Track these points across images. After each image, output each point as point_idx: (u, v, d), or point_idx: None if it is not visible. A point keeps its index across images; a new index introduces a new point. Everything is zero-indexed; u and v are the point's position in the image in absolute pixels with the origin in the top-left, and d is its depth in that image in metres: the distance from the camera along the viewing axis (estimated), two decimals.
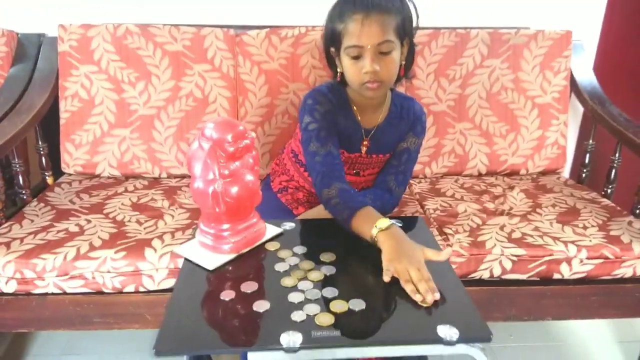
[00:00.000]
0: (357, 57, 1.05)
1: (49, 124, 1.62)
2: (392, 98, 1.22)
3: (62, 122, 1.62)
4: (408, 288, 0.81)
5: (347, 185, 1.08)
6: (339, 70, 1.13)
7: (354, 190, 1.09)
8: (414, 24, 1.11)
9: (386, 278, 0.85)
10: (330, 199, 1.05)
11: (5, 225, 1.33)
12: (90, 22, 1.61)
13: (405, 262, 0.85)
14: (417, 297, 0.79)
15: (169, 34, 1.62)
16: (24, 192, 1.49)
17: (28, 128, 1.48)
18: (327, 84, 1.21)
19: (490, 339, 0.72)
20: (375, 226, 0.93)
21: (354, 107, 1.19)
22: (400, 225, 1.04)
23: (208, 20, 1.74)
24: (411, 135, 1.22)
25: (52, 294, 1.22)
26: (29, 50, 1.66)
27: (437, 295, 0.80)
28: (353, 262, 0.93)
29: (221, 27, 1.66)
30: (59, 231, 1.29)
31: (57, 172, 1.66)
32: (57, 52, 1.60)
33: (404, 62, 1.12)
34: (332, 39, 1.09)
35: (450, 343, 0.71)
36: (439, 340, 0.71)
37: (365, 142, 1.20)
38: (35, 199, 1.48)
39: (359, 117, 1.19)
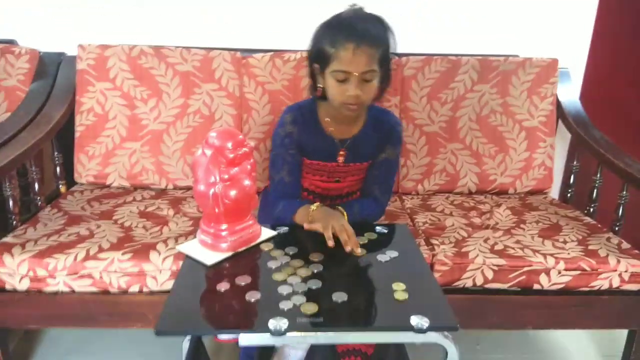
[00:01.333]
0: (342, 81, 1.14)
1: (64, 136, 1.73)
2: (368, 111, 1.31)
3: (77, 134, 1.73)
4: (342, 237, 1.05)
5: (293, 200, 1.26)
6: (319, 85, 1.22)
7: (296, 201, 1.26)
8: (392, 52, 1.21)
9: (330, 243, 1.05)
10: (278, 214, 1.25)
11: (21, 227, 1.42)
12: (108, 42, 1.74)
13: (338, 219, 1.10)
14: (358, 251, 1.03)
15: (180, 55, 1.74)
16: (38, 198, 1.59)
17: (45, 139, 1.59)
18: (296, 105, 1.32)
19: (457, 328, 0.80)
20: (309, 210, 1.16)
21: (327, 122, 1.28)
22: (386, 231, 1.13)
23: (217, 43, 1.86)
24: (389, 146, 1.31)
25: (62, 292, 1.30)
26: (50, 67, 1.79)
27: (359, 251, 1.03)
28: (339, 261, 1.01)
29: (229, 50, 1.78)
30: (70, 234, 1.39)
31: (70, 182, 1.76)
32: (75, 70, 1.73)
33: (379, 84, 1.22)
34: (318, 57, 1.18)
35: (421, 331, 0.79)
36: (410, 328, 0.79)
37: (341, 153, 1.29)
38: (49, 205, 1.58)
39: (334, 129, 1.28)
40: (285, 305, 0.84)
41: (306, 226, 1.14)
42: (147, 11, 1.85)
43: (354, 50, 1.10)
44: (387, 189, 1.35)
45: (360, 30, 1.11)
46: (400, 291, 0.88)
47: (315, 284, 0.90)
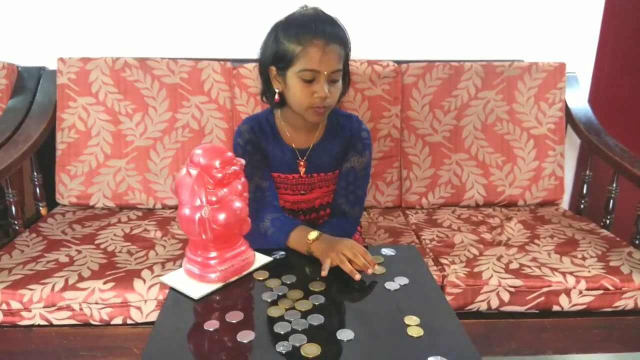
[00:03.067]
0: (310, 81, 1.05)
1: (45, 155, 1.62)
2: (328, 116, 1.21)
3: (58, 153, 1.62)
4: (346, 268, 0.92)
5: (278, 213, 1.14)
6: (277, 90, 1.12)
7: (284, 216, 1.14)
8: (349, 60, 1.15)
9: (324, 273, 0.93)
10: (267, 231, 1.11)
11: None
12: (90, 55, 1.64)
13: (337, 248, 0.95)
14: (357, 277, 0.91)
15: (167, 67, 1.64)
16: (16, 222, 1.47)
17: (23, 158, 1.48)
18: (252, 116, 1.23)
19: None
20: (307, 241, 1.01)
21: (285, 131, 1.19)
22: (393, 254, 1.02)
23: (206, 53, 1.76)
24: (353, 154, 1.20)
25: (38, 325, 1.19)
26: (28, 82, 1.68)
27: (377, 268, 0.93)
28: (343, 292, 0.90)
29: (218, 60, 1.68)
30: (48, 262, 1.28)
31: (52, 203, 1.65)
32: (55, 85, 1.62)
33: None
34: (278, 59, 1.08)
35: None
36: None
37: (301, 163, 1.19)
38: (27, 230, 1.47)
39: (292, 139, 1.19)
40: (282, 347, 0.73)
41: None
42: (130, 21, 1.76)
43: (323, 47, 1.03)
44: (356, 200, 1.21)
45: (329, 28, 1.05)
46: (414, 326, 0.78)
47: (317, 320, 0.79)
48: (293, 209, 1.26)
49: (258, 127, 1.19)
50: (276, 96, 1.13)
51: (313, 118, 1.10)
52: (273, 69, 1.11)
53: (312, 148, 1.19)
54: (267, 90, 1.16)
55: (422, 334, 0.76)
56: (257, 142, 1.18)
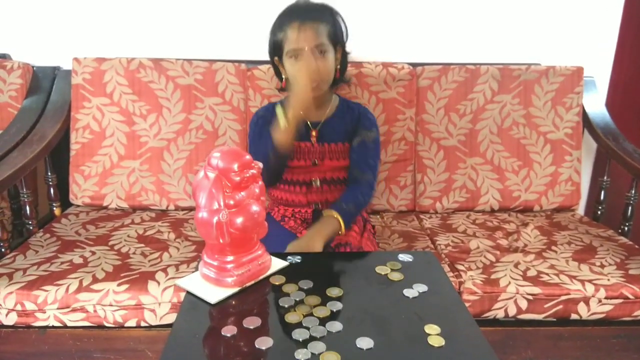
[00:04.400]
0: (297, 57, 1.20)
1: (59, 155, 1.63)
2: (339, 101, 1.36)
3: (72, 153, 1.62)
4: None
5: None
6: (284, 76, 1.28)
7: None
8: (345, 35, 1.29)
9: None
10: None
11: (9, 256, 1.31)
12: (105, 55, 1.64)
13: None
14: None
15: (181, 68, 1.63)
16: (30, 222, 1.48)
17: (38, 158, 1.48)
18: (262, 107, 1.40)
19: None
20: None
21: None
22: (411, 260, 1.01)
23: (220, 54, 1.76)
24: (361, 129, 1.32)
25: (53, 327, 1.19)
26: (43, 82, 1.69)
27: None
28: (360, 297, 0.89)
29: (233, 61, 1.67)
30: (62, 262, 1.28)
31: (65, 203, 1.65)
32: (70, 85, 1.63)
33: (339, 67, 1.29)
34: (274, 49, 1.26)
35: None
36: None
37: (313, 133, 1.31)
38: (41, 230, 1.47)
39: (305, 115, 1.23)
40: (302, 355, 0.72)
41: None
42: (145, 22, 1.76)
43: (299, 26, 1.18)
44: (368, 167, 1.30)
45: (303, 10, 1.22)
46: (434, 335, 0.76)
47: (335, 327, 0.78)
48: (307, 182, 1.32)
49: (272, 109, 1.27)
50: (283, 82, 1.29)
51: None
52: (276, 59, 1.28)
53: (324, 122, 1.32)
54: (279, 80, 1.32)
55: (443, 343, 0.75)
56: (270, 119, 1.25)
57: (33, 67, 1.70)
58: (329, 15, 1.24)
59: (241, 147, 1.64)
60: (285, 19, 1.22)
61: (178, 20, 1.76)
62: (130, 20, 1.75)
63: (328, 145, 1.31)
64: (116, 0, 1.73)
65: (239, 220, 0.87)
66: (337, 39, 1.25)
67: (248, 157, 0.89)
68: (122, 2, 1.73)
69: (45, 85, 1.69)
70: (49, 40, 1.75)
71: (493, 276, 1.24)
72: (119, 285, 1.18)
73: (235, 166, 0.86)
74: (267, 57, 1.74)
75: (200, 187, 0.88)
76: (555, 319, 1.23)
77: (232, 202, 0.86)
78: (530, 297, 1.20)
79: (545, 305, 1.21)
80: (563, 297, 1.20)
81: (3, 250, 1.35)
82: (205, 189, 0.87)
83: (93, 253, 1.33)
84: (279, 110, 1.16)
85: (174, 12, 1.75)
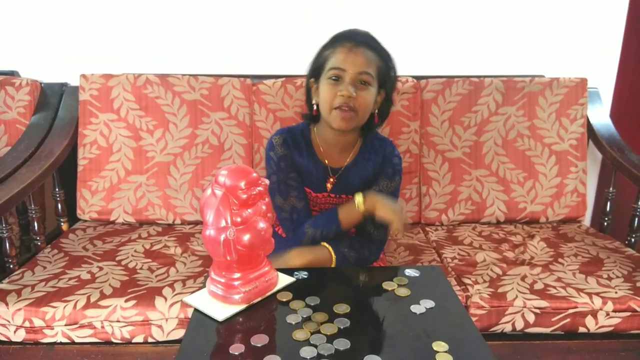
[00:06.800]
0: (336, 80, 1.09)
1: (66, 171, 1.64)
2: (365, 139, 1.22)
3: (79, 168, 1.63)
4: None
5: (312, 218, 1.18)
6: (314, 102, 1.16)
7: (318, 215, 1.19)
8: (393, 84, 1.18)
9: (400, 235, 1.20)
10: (314, 238, 1.14)
11: (18, 272, 1.32)
12: (112, 72, 1.66)
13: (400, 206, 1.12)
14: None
15: (187, 83, 1.65)
16: (38, 238, 1.49)
17: (46, 175, 1.49)
18: (285, 128, 1.23)
19: None
20: (356, 206, 1.11)
21: (320, 147, 1.20)
22: (417, 275, 1.01)
23: (225, 70, 1.78)
24: (383, 178, 1.20)
25: (61, 343, 1.20)
26: (51, 99, 1.71)
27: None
28: (367, 313, 0.89)
29: (238, 76, 1.69)
30: (70, 278, 1.28)
31: (73, 218, 1.67)
32: (77, 101, 1.64)
33: (377, 111, 1.16)
34: (315, 68, 1.14)
35: None
36: None
37: (331, 180, 1.20)
38: (49, 246, 1.48)
39: (325, 155, 1.20)
40: None
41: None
42: (152, 38, 1.78)
43: (350, 48, 1.09)
44: (381, 224, 1.17)
45: (361, 35, 1.12)
46: (442, 353, 0.76)
47: (343, 345, 0.78)
48: (316, 210, 1.25)
49: (292, 140, 1.19)
50: (314, 108, 1.16)
51: (338, 122, 1.09)
52: (312, 80, 1.16)
53: (345, 168, 1.20)
54: (308, 105, 1.20)
55: None
56: (290, 157, 1.18)
57: (41, 83, 1.72)
58: (386, 54, 1.14)
59: (246, 161, 1.65)
60: (339, 38, 1.12)
61: (184, 36, 1.78)
62: (136, 36, 1.77)
63: (346, 197, 1.21)
64: (122, 18, 1.76)
65: (246, 237, 0.87)
66: (385, 80, 1.13)
67: (255, 174, 0.90)
68: (128, 20, 1.76)
69: (53, 102, 1.70)
70: (56, 57, 1.78)
71: (500, 290, 1.24)
72: (126, 301, 1.19)
73: (242, 184, 0.87)
74: (271, 72, 1.78)
75: (208, 204, 0.88)
76: (562, 333, 1.22)
77: (239, 220, 0.87)
78: (538, 311, 1.20)
79: (553, 319, 1.20)
80: (570, 311, 1.20)
81: (12, 266, 1.35)
82: (212, 207, 0.87)
83: (100, 269, 1.33)
84: (359, 198, 1.11)
85: (179, 29, 1.77)
